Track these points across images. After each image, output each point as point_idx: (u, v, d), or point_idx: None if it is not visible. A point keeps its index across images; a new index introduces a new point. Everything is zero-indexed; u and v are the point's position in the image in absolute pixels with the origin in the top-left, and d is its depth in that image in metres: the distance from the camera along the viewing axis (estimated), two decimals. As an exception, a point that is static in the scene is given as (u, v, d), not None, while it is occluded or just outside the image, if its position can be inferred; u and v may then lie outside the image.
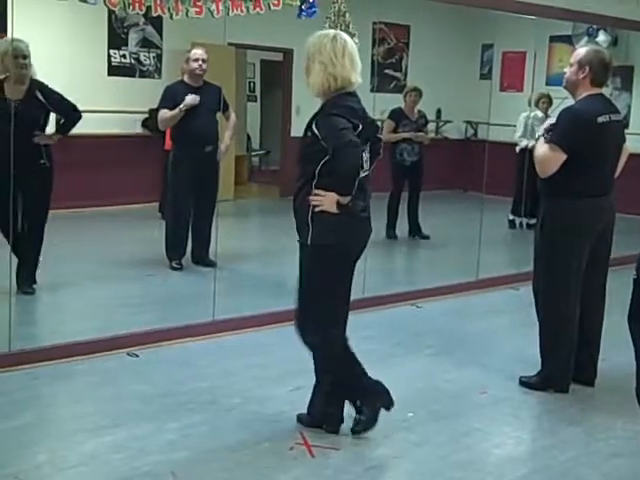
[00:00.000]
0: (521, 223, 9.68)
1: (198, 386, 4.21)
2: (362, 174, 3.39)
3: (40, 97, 5.59)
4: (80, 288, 6.21)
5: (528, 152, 8.60)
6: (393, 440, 3.67)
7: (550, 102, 9.37)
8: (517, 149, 9.54)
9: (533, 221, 8.65)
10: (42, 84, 5.66)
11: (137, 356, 4.63)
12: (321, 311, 3.49)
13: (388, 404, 3.60)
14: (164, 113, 6.58)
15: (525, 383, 4.40)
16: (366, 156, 3.44)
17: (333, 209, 3.33)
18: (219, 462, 3.38)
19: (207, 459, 3.40)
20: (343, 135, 3.27)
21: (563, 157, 4.06)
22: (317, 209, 3.36)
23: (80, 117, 5.95)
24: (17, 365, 4.33)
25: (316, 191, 3.35)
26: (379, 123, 3.83)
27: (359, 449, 3.56)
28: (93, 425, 3.69)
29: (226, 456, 3.43)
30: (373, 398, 3.59)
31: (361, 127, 3.33)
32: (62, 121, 5.95)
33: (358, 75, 3.44)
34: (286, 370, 4.46)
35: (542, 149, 4.14)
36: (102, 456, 3.40)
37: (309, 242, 3.40)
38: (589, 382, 4.42)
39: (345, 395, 3.61)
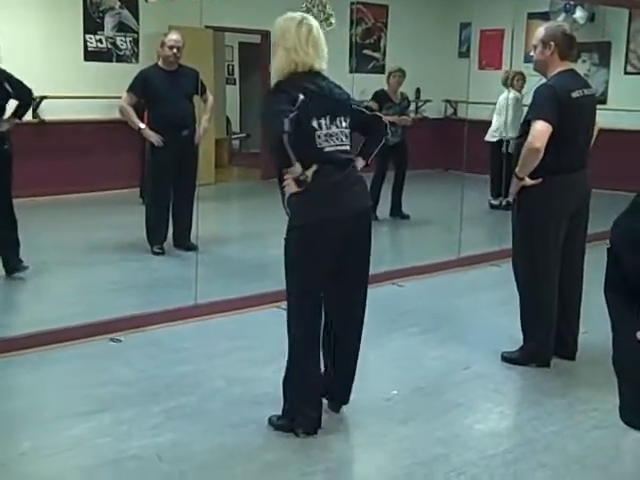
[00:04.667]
0: (501, 203, 9.70)
1: (182, 370, 4.22)
2: (329, 148, 3.31)
3: (6, 85, 5.56)
4: (61, 274, 6.20)
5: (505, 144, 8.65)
6: (378, 417, 3.69)
7: (524, 79, 9.38)
8: (492, 135, 9.47)
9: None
10: (4, 71, 5.61)
11: (120, 341, 4.62)
12: (291, 300, 3.46)
13: (305, 431, 3.46)
14: (129, 99, 6.56)
15: (507, 358, 4.44)
16: (336, 129, 3.35)
17: (293, 188, 3.28)
18: (205, 444, 3.39)
19: (192, 441, 3.41)
20: (266, 110, 3.30)
21: (550, 129, 4.05)
22: (287, 193, 3.34)
23: (33, 101, 6.04)
24: (-1, 353, 4.32)
25: (285, 176, 3.32)
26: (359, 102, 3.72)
27: (344, 428, 3.59)
28: (77, 411, 3.69)
29: (211, 438, 3.45)
30: (298, 420, 3.47)
31: (302, 96, 3.23)
32: (18, 105, 5.92)
33: (323, 62, 3.40)
34: (270, 352, 4.47)
35: (530, 134, 4.10)
36: (87, 441, 3.41)
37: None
38: (570, 356, 4.47)
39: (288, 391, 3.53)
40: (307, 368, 3.47)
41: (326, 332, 3.54)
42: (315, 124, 3.30)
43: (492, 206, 9.59)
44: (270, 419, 3.55)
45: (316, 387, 3.49)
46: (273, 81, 3.41)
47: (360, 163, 3.58)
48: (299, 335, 3.46)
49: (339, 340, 3.56)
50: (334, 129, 3.36)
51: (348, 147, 3.44)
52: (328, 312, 3.52)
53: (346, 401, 3.64)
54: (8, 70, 5.66)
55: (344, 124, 3.41)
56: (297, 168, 3.22)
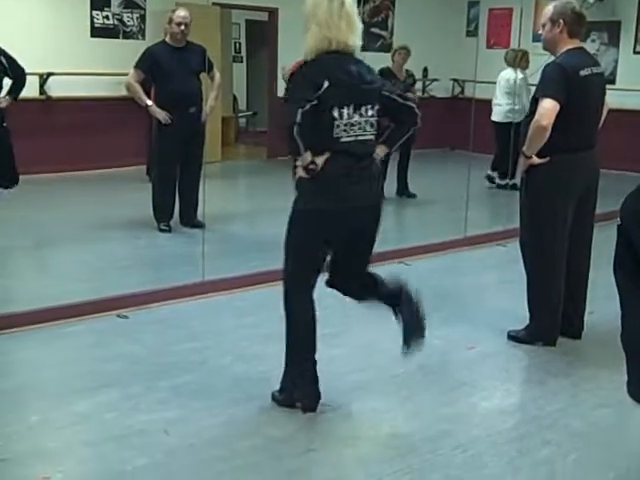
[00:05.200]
0: (507, 184, 9.67)
1: (189, 346, 4.24)
2: (346, 138, 3.25)
3: (2, 59, 5.56)
4: (68, 251, 6.22)
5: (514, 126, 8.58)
6: (384, 395, 3.71)
7: (528, 59, 9.33)
8: (506, 116, 9.39)
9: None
10: (2, 49, 5.61)
11: (127, 317, 4.64)
12: (287, 277, 3.47)
13: (306, 406, 3.48)
14: (136, 76, 6.54)
15: (513, 337, 4.44)
16: (359, 118, 3.27)
17: (302, 173, 3.27)
18: (211, 419, 3.41)
19: (199, 417, 3.43)
20: (288, 91, 3.26)
21: (557, 106, 4.02)
22: (296, 176, 3.32)
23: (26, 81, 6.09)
24: (6, 329, 4.33)
25: (296, 162, 3.30)
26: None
27: (350, 404, 3.60)
28: (85, 386, 3.71)
29: (218, 413, 3.47)
30: (297, 392, 3.51)
31: (327, 84, 3.17)
32: (12, 84, 5.92)
33: (357, 38, 3.31)
34: (276, 329, 4.46)
35: (537, 112, 4.08)
36: (95, 415, 3.43)
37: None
38: (576, 335, 4.47)
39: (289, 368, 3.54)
40: (303, 349, 3.48)
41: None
42: (336, 113, 3.22)
43: (490, 179, 9.56)
44: (272, 394, 3.57)
45: (312, 364, 3.48)
46: (308, 57, 3.32)
47: (382, 150, 3.50)
48: (293, 317, 3.48)
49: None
50: (356, 118, 3.27)
51: (371, 137, 3.36)
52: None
53: None
54: (13, 47, 5.67)
55: (370, 112, 3.32)
56: (307, 157, 3.20)
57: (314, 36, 3.27)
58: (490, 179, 9.58)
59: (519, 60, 9.38)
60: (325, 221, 3.31)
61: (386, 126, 3.54)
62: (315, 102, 3.15)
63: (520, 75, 9.26)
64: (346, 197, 3.29)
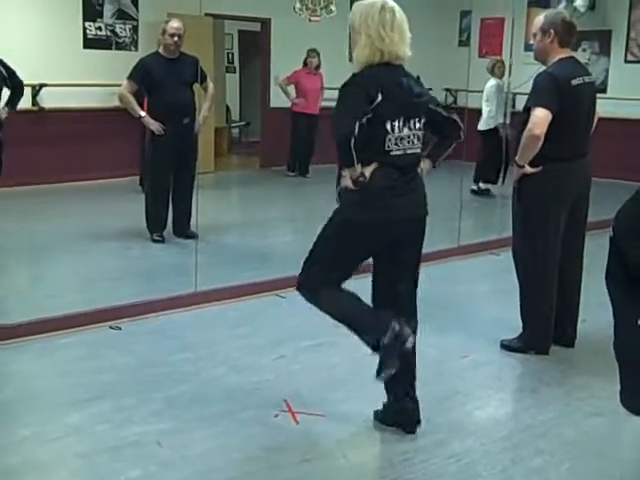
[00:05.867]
0: (486, 189, 9.72)
1: (182, 357, 4.23)
2: (396, 152, 3.19)
3: (2, 69, 5.57)
4: (62, 262, 6.21)
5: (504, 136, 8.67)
6: (377, 405, 3.70)
7: (504, 67, 9.42)
8: (487, 123, 9.45)
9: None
10: (1, 60, 5.62)
11: (120, 329, 4.63)
12: (311, 280, 3.35)
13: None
14: (129, 87, 6.55)
15: (506, 346, 4.45)
16: (408, 131, 3.22)
17: (348, 184, 3.20)
18: (204, 431, 3.40)
19: (192, 428, 3.43)
20: (340, 104, 3.15)
21: (550, 116, 4.04)
22: (342, 184, 3.25)
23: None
24: (-1, 340, 4.33)
25: (343, 172, 3.23)
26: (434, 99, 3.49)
27: (343, 414, 3.60)
28: (78, 398, 3.70)
29: (211, 424, 3.46)
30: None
31: (380, 98, 3.11)
32: (11, 95, 5.93)
33: (407, 48, 3.26)
34: (270, 339, 4.49)
35: (530, 121, 4.10)
36: (88, 427, 3.42)
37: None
38: (569, 343, 4.48)
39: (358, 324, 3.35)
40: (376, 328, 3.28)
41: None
42: (388, 127, 3.17)
43: (474, 192, 9.62)
44: (375, 413, 3.50)
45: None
46: (356, 70, 3.25)
47: (427, 165, 3.45)
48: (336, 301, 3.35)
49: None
50: (406, 131, 3.23)
51: (418, 150, 3.32)
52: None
53: None
54: (5, 58, 5.68)
55: (418, 125, 3.28)
56: (357, 170, 3.15)
57: (365, 47, 3.20)
58: (474, 191, 9.65)
59: (491, 68, 9.49)
60: (369, 233, 3.25)
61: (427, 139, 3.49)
62: (370, 115, 3.11)
63: (492, 83, 9.35)
64: (391, 209, 3.23)
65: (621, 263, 2.59)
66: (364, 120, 3.09)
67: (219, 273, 5.73)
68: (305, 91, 10.59)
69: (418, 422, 3.43)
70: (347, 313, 3.35)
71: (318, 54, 10.50)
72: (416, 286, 3.44)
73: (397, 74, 3.25)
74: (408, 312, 3.37)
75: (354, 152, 3.08)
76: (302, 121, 10.66)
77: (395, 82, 3.21)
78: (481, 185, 9.69)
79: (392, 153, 3.21)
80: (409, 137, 3.25)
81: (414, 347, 3.34)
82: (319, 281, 3.33)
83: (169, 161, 6.59)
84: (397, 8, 3.27)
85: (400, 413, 3.44)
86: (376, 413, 3.52)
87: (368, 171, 3.17)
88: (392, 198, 3.23)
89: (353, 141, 3.05)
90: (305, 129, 10.69)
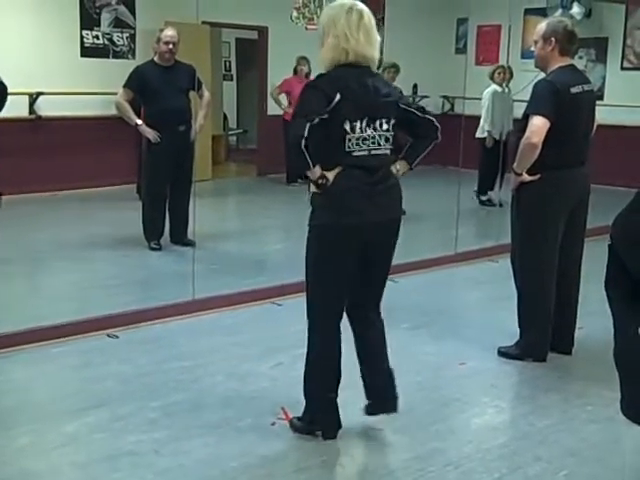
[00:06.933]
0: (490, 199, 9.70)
1: (179, 365, 4.22)
2: (359, 152, 3.17)
3: None
4: (58, 270, 6.21)
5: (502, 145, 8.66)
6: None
7: (510, 74, 9.39)
8: (484, 135, 9.43)
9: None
10: None
11: (117, 337, 4.62)
12: (311, 304, 3.35)
13: (327, 436, 3.41)
14: (125, 95, 6.56)
15: (504, 353, 4.45)
16: (372, 132, 3.20)
17: (314, 189, 3.20)
18: (201, 439, 3.40)
19: (189, 436, 3.42)
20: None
21: (548, 124, 4.05)
22: (310, 191, 3.24)
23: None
24: (-4, 349, 4.32)
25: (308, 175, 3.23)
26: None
27: (341, 422, 3.59)
28: (74, 406, 3.69)
29: (208, 433, 3.45)
30: (317, 424, 3.44)
31: (338, 97, 3.11)
32: None
33: (375, 50, 3.23)
34: (267, 347, 4.48)
35: (528, 129, 4.10)
36: (84, 436, 3.41)
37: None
38: (566, 351, 4.48)
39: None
40: (326, 386, 3.41)
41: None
42: (347, 127, 3.15)
43: (482, 202, 9.60)
44: (291, 422, 3.52)
45: (334, 398, 3.42)
46: (325, 69, 3.26)
47: (404, 166, 3.44)
48: (316, 350, 3.38)
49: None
50: (369, 132, 3.20)
51: (386, 151, 3.29)
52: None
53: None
54: (2, 66, 5.67)
55: (385, 126, 3.25)
56: (316, 172, 3.14)
57: (331, 48, 3.21)
58: (482, 202, 9.63)
59: (491, 74, 9.51)
60: (340, 236, 3.22)
61: (404, 142, 3.49)
62: (325, 116, 3.10)
63: (489, 89, 9.38)
64: (360, 211, 3.21)
65: (621, 270, 2.58)
66: (316, 121, 3.07)
67: (216, 281, 5.72)
68: (297, 99, 10.52)
69: (394, 398, 3.44)
70: (311, 376, 3.39)
71: (308, 62, 10.47)
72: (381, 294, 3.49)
73: (363, 75, 3.23)
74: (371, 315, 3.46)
75: (306, 154, 3.07)
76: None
77: (359, 82, 3.20)
78: (489, 194, 9.65)
79: (354, 154, 3.19)
80: (373, 138, 3.23)
81: (381, 334, 3.46)
82: (316, 306, 3.33)
83: (166, 169, 6.59)
84: (366, 11, 3.26)
85: (372, 391, 3.46)
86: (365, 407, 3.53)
87: (331, 174, 3.17)
88: (361, 199, 3.20)
89: (303, 142, 3.04)
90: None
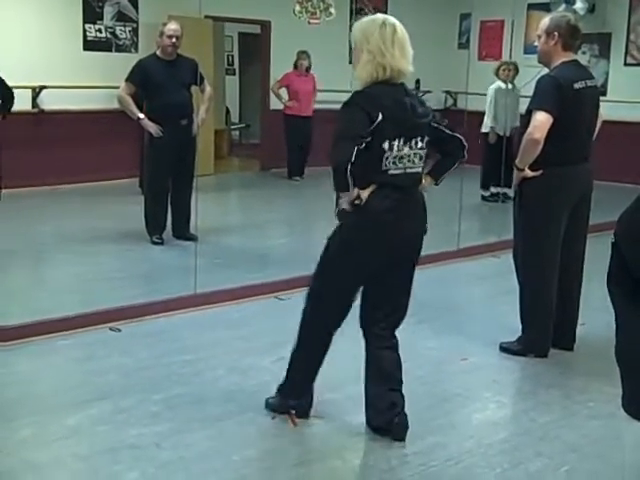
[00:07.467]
0: (498, 193, 9.69)
1: (181, 359, 4.23)
2: (395, 171, 3.16)
3: None
4: (61, 264, 6.21)
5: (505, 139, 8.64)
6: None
7: (515, 70, 9.34)
8: (487, 130, 9.43)
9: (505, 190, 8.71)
10: None
11: (119, 330, 4.63)
12: (317, 292, 3.40)
13: (301, 414, 3.50)
14: (127, 89, 6.57)
15: (505, 349, 4.45)
16: (408, 150, 3.19)
17: (346, 207, 3.16)
18: (203, 432, 3.40)
19: (191, 429, 3.42)
20: (340, 125, 3.12)
21: (550, 119, 4.04)
22: (340, 205, 3.20)
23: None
24: (-1, 342, 4.33)
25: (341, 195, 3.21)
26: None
27: (341, 418, 3.59)
28: (77, 399, 3.70)
29: (210, 426, 3.46)
30: (292, 400, 3.53)
31: (381, 117, 3.07)
32: (1, 104, 5.96)
33: (409, 64, 3.22)
34: (269, 341, 4.49)
35: (530, 125, 4.10)
36: (86, 429, 3.42)
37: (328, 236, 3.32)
38: (568, 347, 4.48)
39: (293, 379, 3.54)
40: (312, 365, 3.50)
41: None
42: (386, 146, 3.13)
43: (484, 197, 9.59)
44: (266, 401, 3.60)
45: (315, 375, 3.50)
46: (361, 86, 3.21)
47: (429, 182, 3.42)
48: (311, 338, 3.46)
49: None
50: (406, 150, 3.19)
51: (419, 169, 3.28)
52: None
53: None
54: (5, 60, 5.68)
55: (420, 144, 3.24)
56: (353, 194, 3.11)
57: (367, 64, 3.17)
58: (484, 197, 9.62)
59: (496, 70, 9.46)
60: (368, 253, 3.24)
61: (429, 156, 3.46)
62: (369, 138, 3.07)
63: (493, 85, 9.35)
64: (390, 229, 3.22)
65: (624, 267, 2.58)
66: (363, 146, 3.04)
67: (219, 275, 5.73)
68: (297, 93, 10.54)
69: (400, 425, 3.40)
70: (298, 358, 3.49)
71: (308, 56, 10.47)
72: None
73: (399, 93, 3.22)
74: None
75: (350, 178, 3.03)
76: (296, 124, 10.62)
77: (396, 101, 3.18)
78: (492, 190, 9.63)
79: (390, 172, 3.17)
80: (409, 156, 3.22)
81: (397, 354, 3.54)
82: (321, 310, 3.39)
83: (168, 163, 6.59)
84: (398, 24, 3.25)
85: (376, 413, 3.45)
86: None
87: (365, 193, 3.14)
88: (393, 220, 3.20)
89: (350, 167, 3.01)
90: (299, 131, 10.64)
